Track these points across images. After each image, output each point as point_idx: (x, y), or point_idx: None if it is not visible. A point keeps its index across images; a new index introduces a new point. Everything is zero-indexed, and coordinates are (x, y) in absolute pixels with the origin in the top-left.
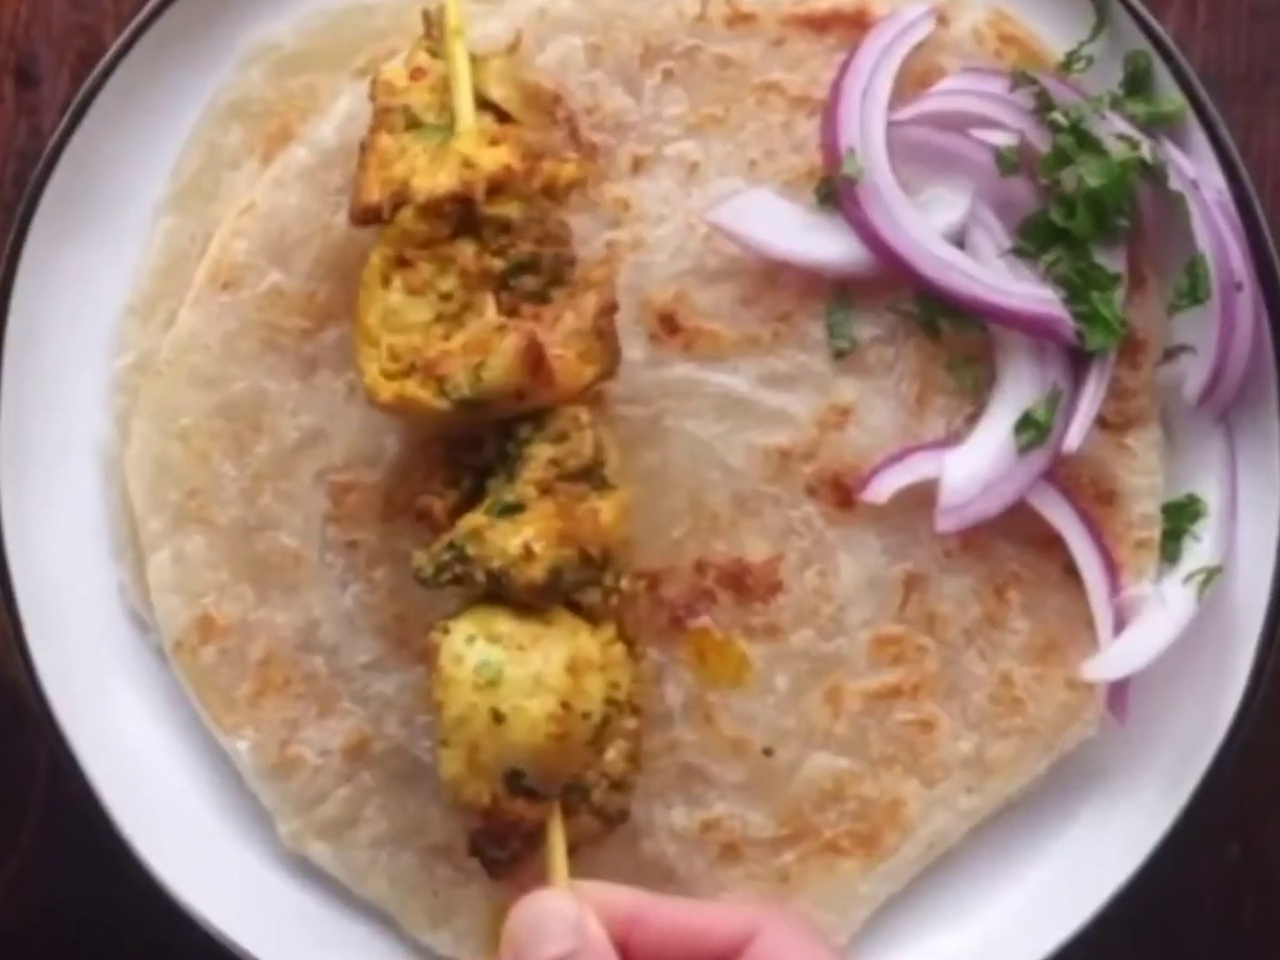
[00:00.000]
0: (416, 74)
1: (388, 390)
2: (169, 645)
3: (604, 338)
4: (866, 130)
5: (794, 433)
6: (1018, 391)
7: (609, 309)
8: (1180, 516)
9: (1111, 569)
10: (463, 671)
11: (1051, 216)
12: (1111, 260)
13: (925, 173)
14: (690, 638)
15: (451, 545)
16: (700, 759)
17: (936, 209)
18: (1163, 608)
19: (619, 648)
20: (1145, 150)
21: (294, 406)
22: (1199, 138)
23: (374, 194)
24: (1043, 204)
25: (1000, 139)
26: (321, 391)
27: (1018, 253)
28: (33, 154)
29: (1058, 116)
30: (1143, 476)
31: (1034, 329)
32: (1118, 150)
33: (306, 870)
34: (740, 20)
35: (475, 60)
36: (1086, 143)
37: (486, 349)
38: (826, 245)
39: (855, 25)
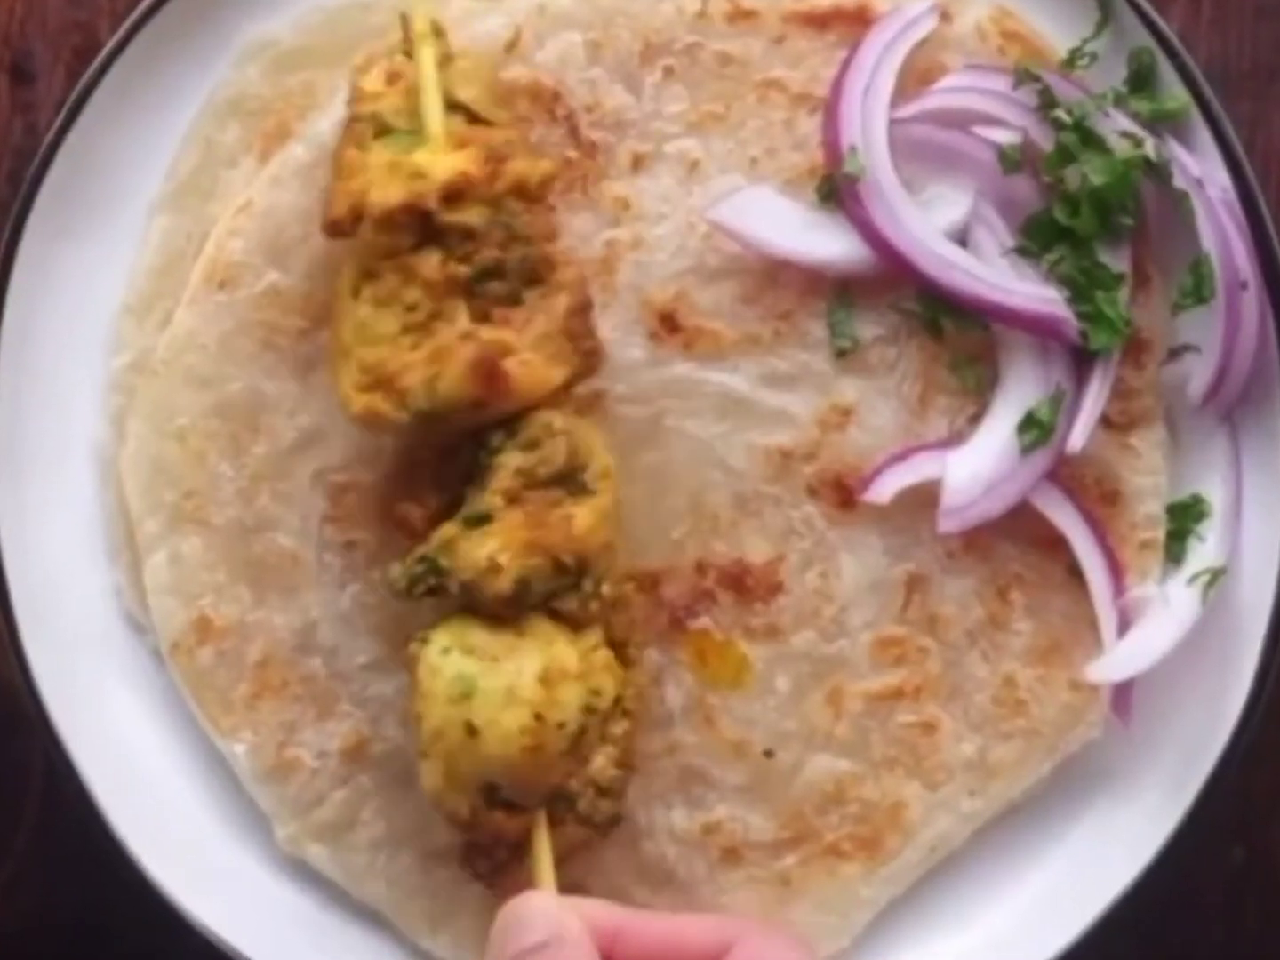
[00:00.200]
0: (393, 78)
1: (357, 403)
2: (166, 647)
3: (576, 338)
4: (868, 128)
5: (795, 433)
6: (1021, 391)
7: (579, 309)
8: (1185, 517)
9: (1115, 570)
10: (438, 684)
11: (1055, 215)
12: (1115, 259)
13: (927, 171)
14: (690, 639)
15: (424, 558)
16: (701, 761)
17: (939, 207)
18: (1167, 609)
19: (603, 653)
20: (1149, 148)
21: (291, 406)
22: (1203, 135)
23: (338, 207)
24: (1046, 202)
25: (1003, 137)
26: (319, 391)
27: (1021, 251)
28: (28, 152)
29: (1061, 114)
30: (1147, 477)
31: (1037, 328)
32: (1121, 148)
33: (304, 873)
34: (741, 17)
35: (445, 61)
36: (1090, 140)
37: (445, 360)
38: (828, 244)
39: (857, 22)
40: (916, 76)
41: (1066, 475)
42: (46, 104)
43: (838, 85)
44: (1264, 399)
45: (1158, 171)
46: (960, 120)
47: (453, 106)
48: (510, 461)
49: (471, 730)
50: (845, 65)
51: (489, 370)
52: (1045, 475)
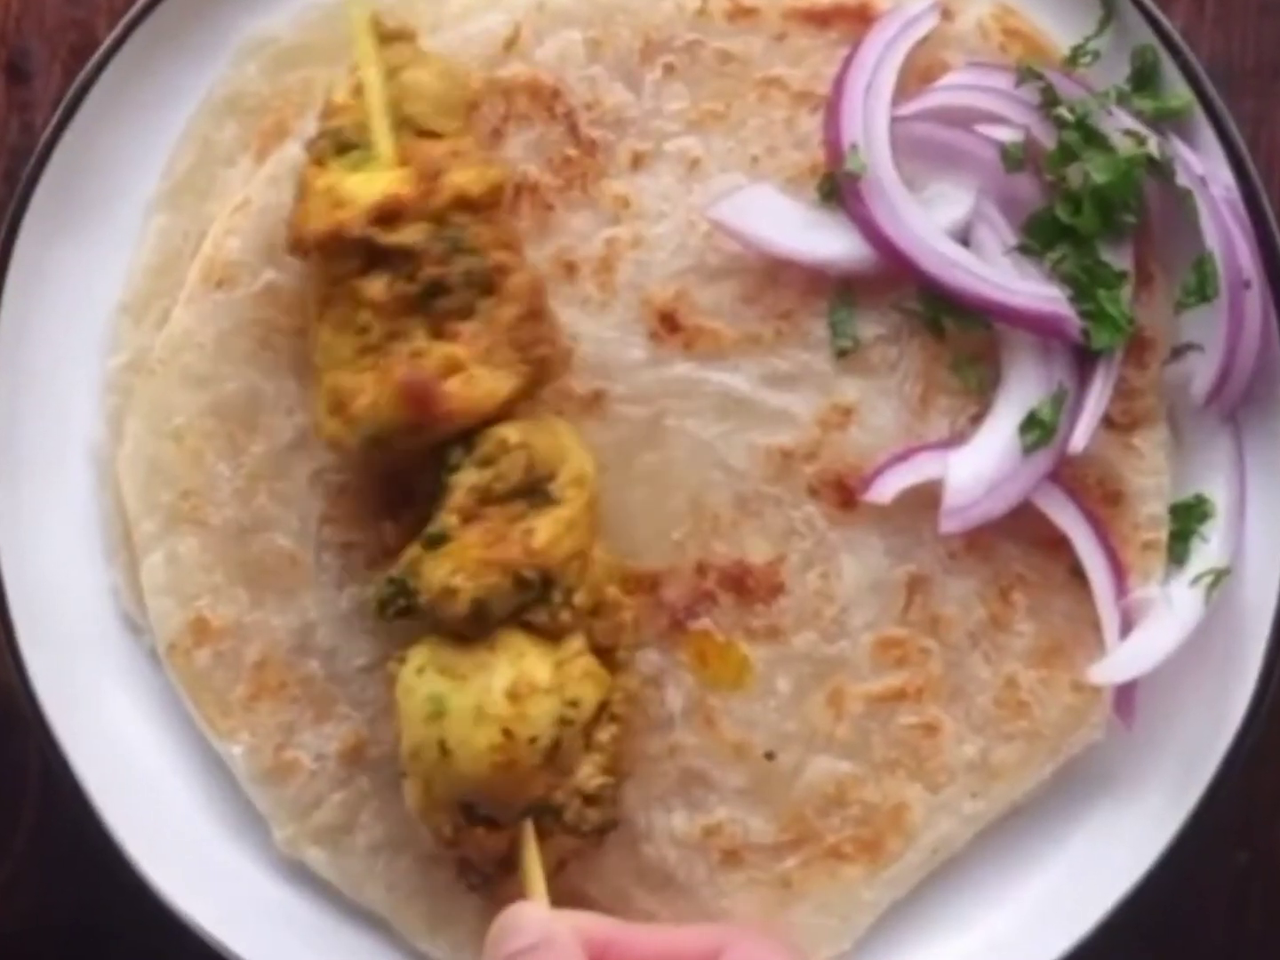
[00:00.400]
0: (358, 91)
1: (325, 428)
2: (163, 648)
3: (525, 347)
4: (870, 126)
5: (796, 433)
6: (1023, 391)
7: (527, 317)
8: (1188, 517)
9: (1118, 570)
10: (413, 703)
11: (1057, 213)
12: (1118, 258)
13: (929, 169)
14: (691, 640)
15: (392, 579)
16: (701, 763)
17: (941, 205)
18: (1170, 610)
19: (582, 662)
20: (1152, 146)
21: (289, 405)
22: (1207, 133)
23: (290, 232)
24: (1048, 200)
25: (1005, 135)
26: None
27: (1023, 250)
28: (25, 150)
29: (1063, 112)
30: (1149, 477)
31: (1039, 327)
32: (1124, 146)
33: (302, 876)
34: (742, 14)
35: (394, 72)
36: (1093, 139)
37: (383, 384)
38: (829, 242)
39: (858, 19)
40: (918, 74)
41: (1069, 475)
42: (43, 102)
43: (839, 83)
44: (1267, 398)
45: (1161, 170)
46: (962, 118)
47: (403, 120)
48: (465, 480)
49: (444, 750)
50: (846, 63)
51: (419, 393)
52: (1047, 475)
